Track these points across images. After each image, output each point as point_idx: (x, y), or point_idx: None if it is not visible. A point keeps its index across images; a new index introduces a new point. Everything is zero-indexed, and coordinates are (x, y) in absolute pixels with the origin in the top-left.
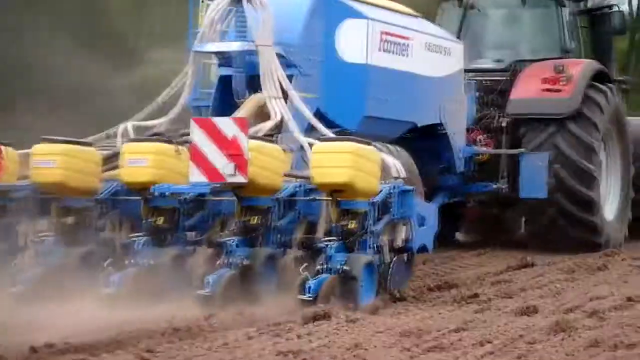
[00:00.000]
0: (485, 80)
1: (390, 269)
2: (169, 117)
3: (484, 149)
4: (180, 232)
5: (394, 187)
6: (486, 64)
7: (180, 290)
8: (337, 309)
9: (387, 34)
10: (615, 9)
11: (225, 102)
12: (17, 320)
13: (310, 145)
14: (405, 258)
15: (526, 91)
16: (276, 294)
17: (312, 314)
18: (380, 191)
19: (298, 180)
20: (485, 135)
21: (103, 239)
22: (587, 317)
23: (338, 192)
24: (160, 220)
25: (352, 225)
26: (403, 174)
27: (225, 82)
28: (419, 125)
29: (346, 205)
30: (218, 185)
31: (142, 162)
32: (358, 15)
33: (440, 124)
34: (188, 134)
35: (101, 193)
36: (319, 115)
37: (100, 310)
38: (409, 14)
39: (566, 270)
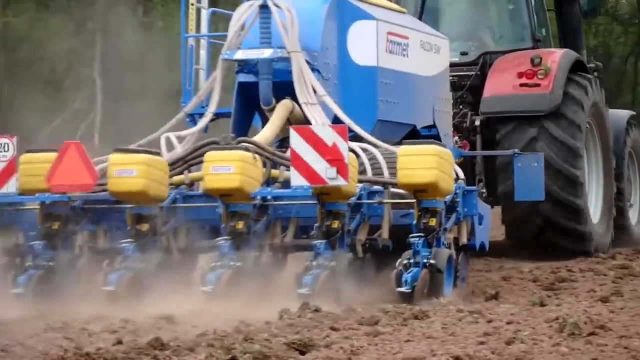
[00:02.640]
0: (452, 75)
1: (457, 265)
2: (200, 125)
3: (472, 151)
4: (251, 236)
5: (459, 187)
6: (451, 57)
7: (277, 290)
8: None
9: (391, 34)
10: None
11: (244, 109)
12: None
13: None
14: (467, 255)
15: (501, 87)
16: (370, 289)
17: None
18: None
19: (373, 184)
20: (458, 137)
21: (179, 244)
22: None
23: (421, 192)
24: (240, 225)
25: (432, 222)
26: (462, 175)
27: (244, 89)
28: (419, 127)
29: (427, 204)
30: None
31: (228, 169)
32: (367, 16)
33: (434, 126)
34: (242, 141)
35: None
36: (337, 120)
37: (200, 307)
38: (400, 11)
39: (367, 322)
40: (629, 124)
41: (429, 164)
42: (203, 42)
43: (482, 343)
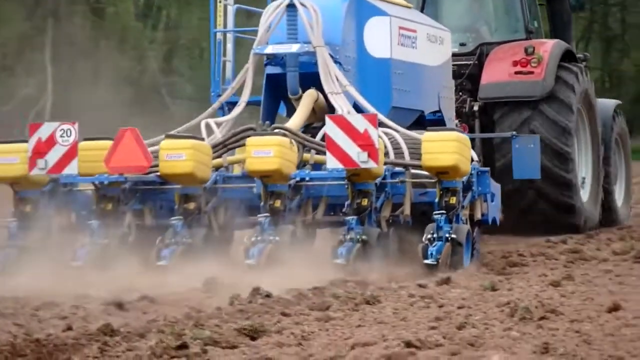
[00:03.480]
0: (452, 65)
1: (474, 239)
2: (233, 114)
3: (472, 134)
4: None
5: (474, 169)
6: (451, 48)
7: (309, 261)
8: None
9: (402, 28)
10: None
11: (273, 98)
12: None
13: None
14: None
15: (497, 75)
16: (397, 261)
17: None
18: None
19: (398, 167)
20: (458, 121)
21: (220, 222)
22: None
23: (443, 173)
24: (277, 203)
25: (453, 200)
26: (476, 157)
27: (272, 80)
28: (426, 112)
29: (448, 184)
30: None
31: (268, 152)
32: (381, 13)
33: (439, 111)
34: (276, 128)
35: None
36: (356, 107)
37: (247, 277)
38: (407, 6)
39: (318, 308)
40: (616, 112)
41: (450, 149)
42: (229, 37)
43: (433, 328)
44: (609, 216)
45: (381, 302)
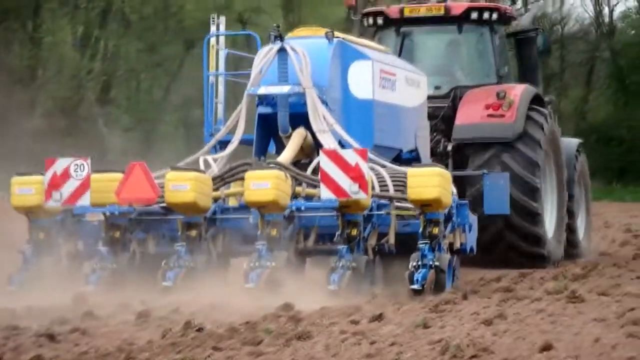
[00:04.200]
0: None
1: (454, 266)
2: (227, 151)
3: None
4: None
5: (454, 201)
6: None
7: (306, 287)
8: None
9: (383, 72)
10: (540, 32)
11: (264, 136)
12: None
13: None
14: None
15: (470, 117)
16: (385, 286)
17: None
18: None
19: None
20: (432, 159)
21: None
22: None
23: (426, 206)
24: (274, 231)
25: (435, 230)
26: (455, 190)
27: (264, 119)
28: (404, 150)
29: (431, 216)
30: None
31: (265, 184)
32: (364, 57)
33: (415, 149)
34: (271, 163)
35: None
36: (341, 145)
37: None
38: (386, 51)
39: (250, 342)
40: (578, 151)
41: (433, 183)
42: (220, 79)
43: None
44: (571, 249)
45: (313, 338)
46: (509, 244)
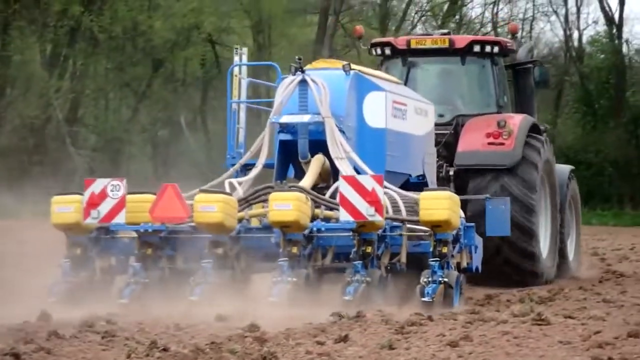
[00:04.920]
0: None
1: (461, 283)
2: (251, 175)
3: None
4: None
5: (462, 223)
6: None
7: (321, 298)
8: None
9: (395, 102)
10: (539, 64)
11: (284, 162)
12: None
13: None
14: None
15: (472, 144)
16: (399, 299)
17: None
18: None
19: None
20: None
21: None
22: None
23: (437, 227)
24: (294, 249)
25: (445, 250)
26: (462, 214)
27: (284, 146)
28: (412, 176)
29: (440, 236)
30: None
31: (287, 206)
32: (378, 88)
33: (423, 175)
34: (292, 187)
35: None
36: (356, 171)
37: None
38: (397, 82)
39: None
40: (569, 178)
41: (444, 206)
42: (242, 106)
43: None
44: (562, 267)
45: (278, 359)
46: (505, 259)
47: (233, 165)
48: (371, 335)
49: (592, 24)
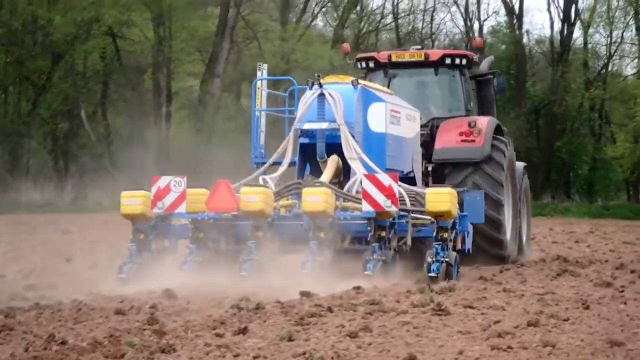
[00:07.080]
0: None
1: (457, 262)
2: (279, 172)
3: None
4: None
5: (458, 214)
6: None
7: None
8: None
9: (392, 111)
10: (497, 75)
11: (303, 161)
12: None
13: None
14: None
15: (447, 142)
16: (408, 274)
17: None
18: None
19: (404, 212)
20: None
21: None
22: None
23: (439, 216)
24: (322, 234)
25: (445, 235)
26: (457, 205)
27: (304, 148)
28: (404, 172)
29: (442, 224)
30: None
31: (318, 198)
32: (379, 99)
33: (412, 171)
34: (318, 183)
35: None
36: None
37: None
38: (393, 94)
39: (113, 356)
40: (523, 173)
41: (446, 199)
42: (263, 114)
43: None
44: (519, 251)
45: (177, 351)
46: (477, 247)
47: (257, 163)
48: (271, 327)
49: (492, 15)
